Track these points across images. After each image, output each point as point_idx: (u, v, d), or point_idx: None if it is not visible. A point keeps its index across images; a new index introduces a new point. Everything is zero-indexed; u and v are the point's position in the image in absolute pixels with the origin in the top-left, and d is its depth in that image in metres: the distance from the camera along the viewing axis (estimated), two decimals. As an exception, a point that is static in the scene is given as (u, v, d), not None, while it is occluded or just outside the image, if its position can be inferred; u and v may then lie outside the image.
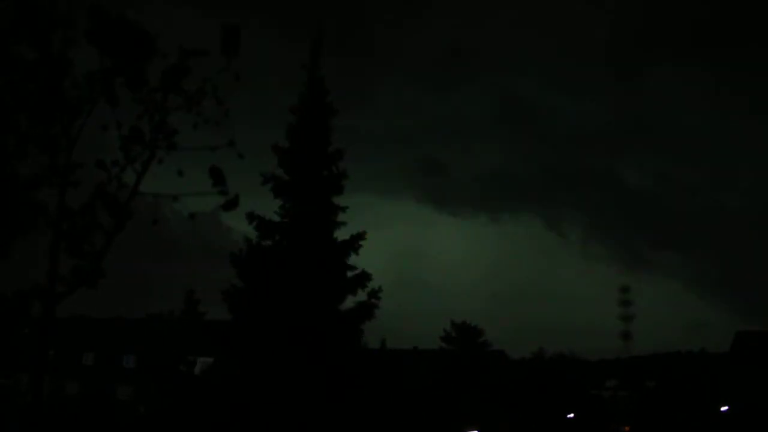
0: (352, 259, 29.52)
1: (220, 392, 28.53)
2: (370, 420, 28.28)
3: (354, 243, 29.36)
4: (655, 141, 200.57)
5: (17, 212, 4.98)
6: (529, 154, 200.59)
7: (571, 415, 65.86)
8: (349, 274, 29.29)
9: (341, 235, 29.69)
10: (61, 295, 5.44)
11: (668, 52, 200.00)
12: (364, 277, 29.07)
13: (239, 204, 5.88)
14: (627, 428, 74.16)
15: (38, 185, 4.29)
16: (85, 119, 4.06)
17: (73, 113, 4.00)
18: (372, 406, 28.46)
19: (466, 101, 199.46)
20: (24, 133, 3.94)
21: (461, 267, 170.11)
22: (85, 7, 3.81)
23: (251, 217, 28.79)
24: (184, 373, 43.77)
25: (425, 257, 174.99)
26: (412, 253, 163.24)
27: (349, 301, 29.21)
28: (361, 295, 29.01)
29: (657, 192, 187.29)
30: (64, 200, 4.48)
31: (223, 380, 29.64)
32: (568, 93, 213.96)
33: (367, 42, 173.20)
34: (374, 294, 28.89)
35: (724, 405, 64.98)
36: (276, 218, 29.33)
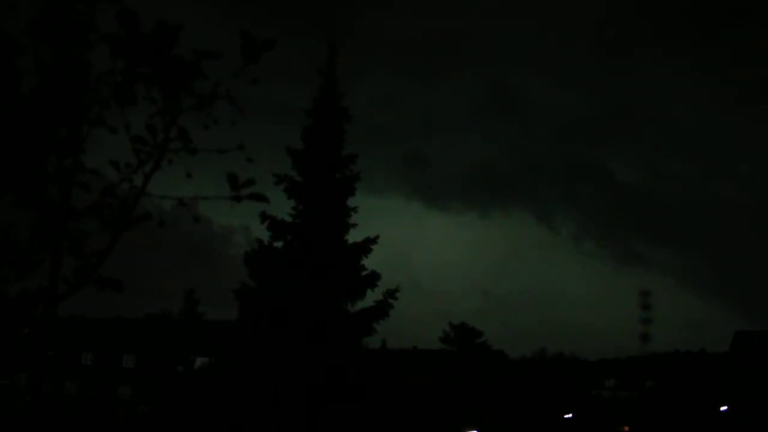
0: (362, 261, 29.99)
1: (220, 392, 28.76)
2: (371, 420, 28.34)
3: (366, 246, 29.82)
4: (646, 133, 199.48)
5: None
6: (516, 148, 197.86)
7: (570, 415, 65.94)
8: (361, 274, 29.70)
9: (352, 236, 30.19)
10: (62, 296, 5.41)
11: (658, 42, 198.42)
12: (374, 278, 29.51)
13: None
14: (626, 428, 74.26)
15: (44, 184, 4.25)
16: (96, 119, 4.02)
17: (85, 114, 3.95)
18: (372, 406, 28.54)
19: (451, 93, 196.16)
20: (34, 133, 3.90)
21: (452, 264, 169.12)
22: (107, 8, 3.72)
23: (263, 217, 29.19)
24: (184, 373, 43.81)
25: (415, 254, 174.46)
26: (402, 251, 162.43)
27: (366, 301, 29.61)
28: (371, 296, 29.43)
29: (649, 186, 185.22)
30: (69, 200, 4.45)
31: (223, 380, 29.88)
32: (557, 84, 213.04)
33: (346, 31, 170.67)
34: (391, 293, 29.46)
35: (723, 405, 65.05)
36: (288, 219, 29.76)
